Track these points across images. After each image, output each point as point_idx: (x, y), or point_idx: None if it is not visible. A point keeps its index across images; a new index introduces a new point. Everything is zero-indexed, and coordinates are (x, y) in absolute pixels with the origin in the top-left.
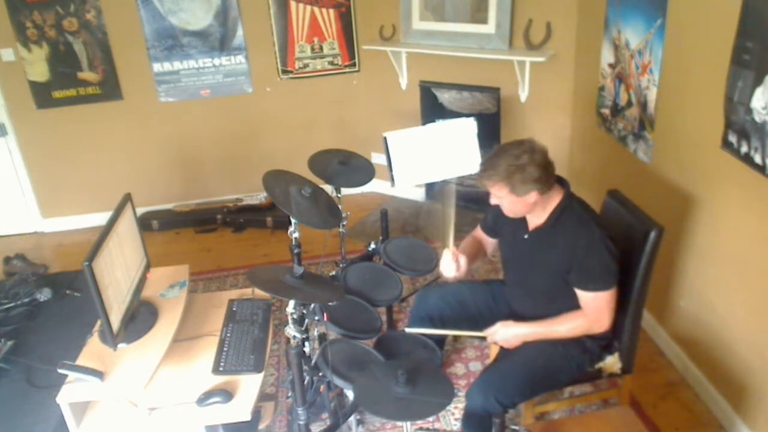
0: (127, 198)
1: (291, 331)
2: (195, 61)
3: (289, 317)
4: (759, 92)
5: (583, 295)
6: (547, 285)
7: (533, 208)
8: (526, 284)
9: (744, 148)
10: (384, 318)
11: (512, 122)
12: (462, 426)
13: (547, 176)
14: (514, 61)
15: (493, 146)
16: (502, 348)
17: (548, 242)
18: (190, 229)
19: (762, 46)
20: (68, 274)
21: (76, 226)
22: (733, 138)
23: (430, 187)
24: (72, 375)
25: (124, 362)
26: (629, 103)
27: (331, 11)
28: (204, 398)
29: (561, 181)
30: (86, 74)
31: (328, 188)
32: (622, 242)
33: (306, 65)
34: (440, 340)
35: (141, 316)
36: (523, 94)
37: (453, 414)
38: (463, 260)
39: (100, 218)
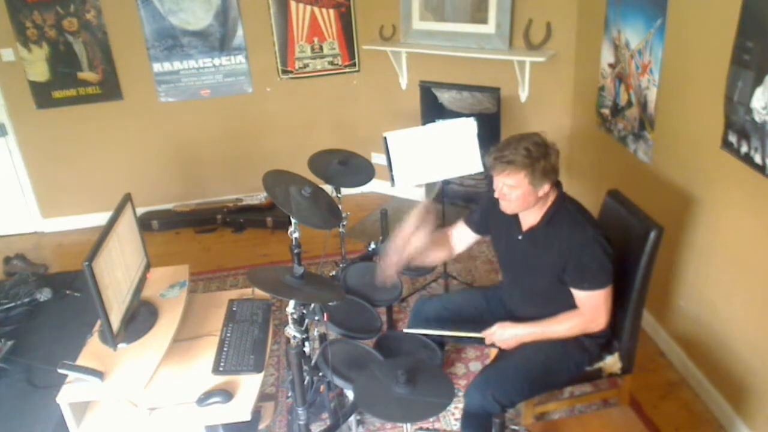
0: (127, 198)
1: (291, 331)
2: (195, 61)
3: (289, 317)
4: (759, 92)
5: (578, 294)
6: (543, 285)
7: (536, 203)
8: (521, 285)
9: (744, 148)
10: (384, 318)
11: (512, 122)
12: (461, 426)
13: (558, 168)
14: (514, 61)
15: (494, 144)
16: (500, 349)
17: (542, 242)
18: (190, 229)
19: (762, 46)
20: (68, 274)
21: (76, 226)
22: (733, 138)
23: (430, 187)
24: (72, 375)
25: (124, 362)
26: (629, 103)
27: (331, 11)
28: (204, 398)
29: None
30: (86, 74)
31: (328, 188)
32: (622, 242)
33: (306, 65)
34: (441, 341)
35: (141, 316)
36: (523, 94)
37: (453, 414)
38: (416, 240)
39: (100, 218)
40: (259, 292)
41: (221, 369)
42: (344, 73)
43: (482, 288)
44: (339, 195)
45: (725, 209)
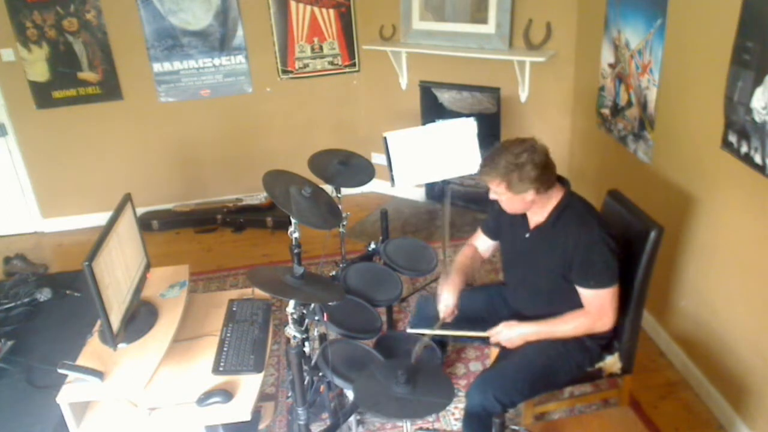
0: (127, 198)
1: (291, 331)
2: (195, 61)
3: (289, 317)
4: (759, 92)
5: (584, 293)
6: (548, 284)
7: (531, 206)
8: (527, 283)
9: (744, 148)
10: (384, 318)
11: (512, 122)
12: (463, 426)
13: (545, 176)
14: (514, 61)
15: (494, 145)
16: (502, 348)
17: (549, 241)
18: (190, 229)
19: (762, 46)
20: (68, 274)
21: (76, 226)
22: (733, 138)
23: (430, 187)
24: (72, 375)
25: (124, 362)
26: (629, 103)
27: (331, 11)
28: (204, 398)
29: (561, 180)
30: (86, 74)
31: (328, 188)
32: (622, 242)
33: (306, 65)
34: (443, 341)
35: (141, 316)
36: (523, 94)
37: (453, 414)
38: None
39: (100, 218)
40: (259, 292)
41: (221, 369)
42: (344, 73)
43: (484, 287)
44: (339, 195)
45: (725, 209)
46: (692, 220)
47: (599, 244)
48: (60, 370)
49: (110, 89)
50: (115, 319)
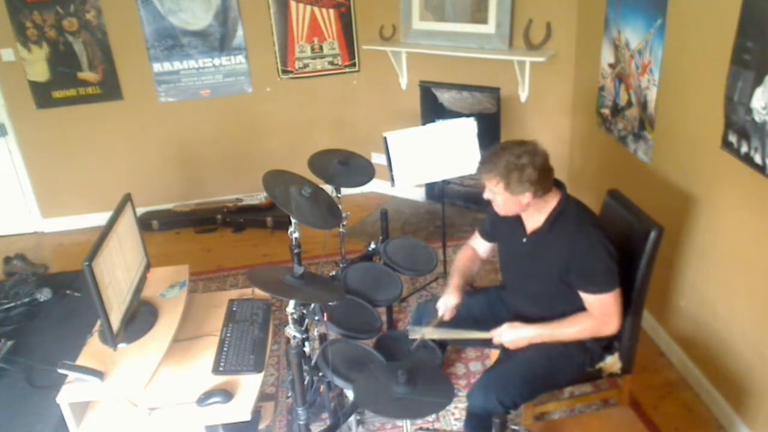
0: (127, 198)
1: (291, 331)
2: (195, 61)
3: (289, 317)
4: (759, 92)
5: (587, 298)
6: (546, 288)
7: (526, 209)
8: (525, 288)
9: (744, 148)
10: (384, 318)
11: (512, 122)
12: (464, 427)
13: (544, 180)
14: (514, 61)
15: (494, 144)
16: (503, 349)
17: (546, 245)
18: (190, 229)
19: (762, 46)
20: (68, 274)
21: (76, 226)
22: (733, 138)
23: (430, 187)
24: (72, 375)
25: (124, 362)
26: (629, 103)
27: (331, 11)
28: (204, 398)
29: (558, 184)
30: (86, 74)
31: (328, 188)
32: (622, 242)
33: (306, 65)
34: (443, 342)
35: (141, 316)
36: (523, 94)
37: (453, 414)
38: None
39: (100, 218)
40: (259, 292)
41: (221, 369)
42: (344, 73)
43: (483, 288)
44: (339, 195)
45: (725, 209)
46: (692, 220)
47: (597, 249)
48: (60, 370)
49: (110, 89)
50: (115, 319)
